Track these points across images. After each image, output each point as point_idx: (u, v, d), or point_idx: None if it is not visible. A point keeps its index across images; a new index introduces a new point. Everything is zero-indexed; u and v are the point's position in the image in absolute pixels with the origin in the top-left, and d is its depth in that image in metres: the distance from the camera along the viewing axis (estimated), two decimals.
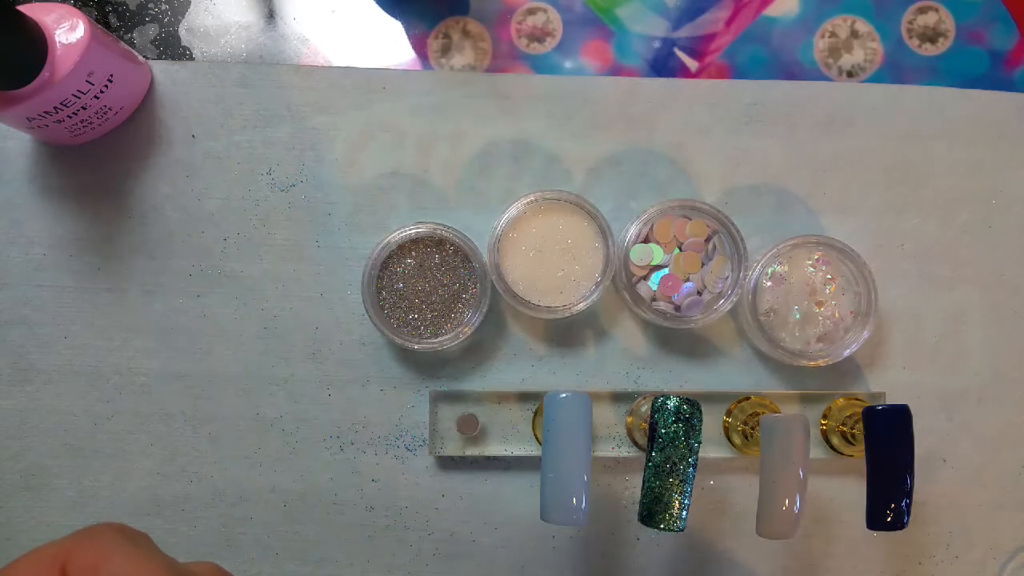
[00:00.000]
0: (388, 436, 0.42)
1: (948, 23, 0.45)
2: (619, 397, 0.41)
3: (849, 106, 0.43)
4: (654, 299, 0.41)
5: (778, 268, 0.41)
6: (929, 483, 0.42)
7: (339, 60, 0.45)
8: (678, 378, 0.42)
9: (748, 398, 0.40)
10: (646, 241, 0.41)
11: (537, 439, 0.41)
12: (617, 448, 0.41)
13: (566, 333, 0.42)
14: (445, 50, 0.45)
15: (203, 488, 0.42)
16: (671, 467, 0.32)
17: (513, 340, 0.42)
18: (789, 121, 0.43)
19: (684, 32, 0.45)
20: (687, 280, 0.40)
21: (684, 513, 0.32)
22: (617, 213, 0.42)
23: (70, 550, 0.22)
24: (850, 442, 0.39)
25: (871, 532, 0.40)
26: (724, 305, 0.40)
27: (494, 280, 0.40)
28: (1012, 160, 0.43)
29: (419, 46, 0.45)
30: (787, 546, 0.42)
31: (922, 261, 0.43)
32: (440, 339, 0.40)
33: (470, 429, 0.40)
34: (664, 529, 0.32)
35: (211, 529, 0.42)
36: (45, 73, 0.37)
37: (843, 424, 0.39)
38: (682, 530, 0.32)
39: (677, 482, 0.32)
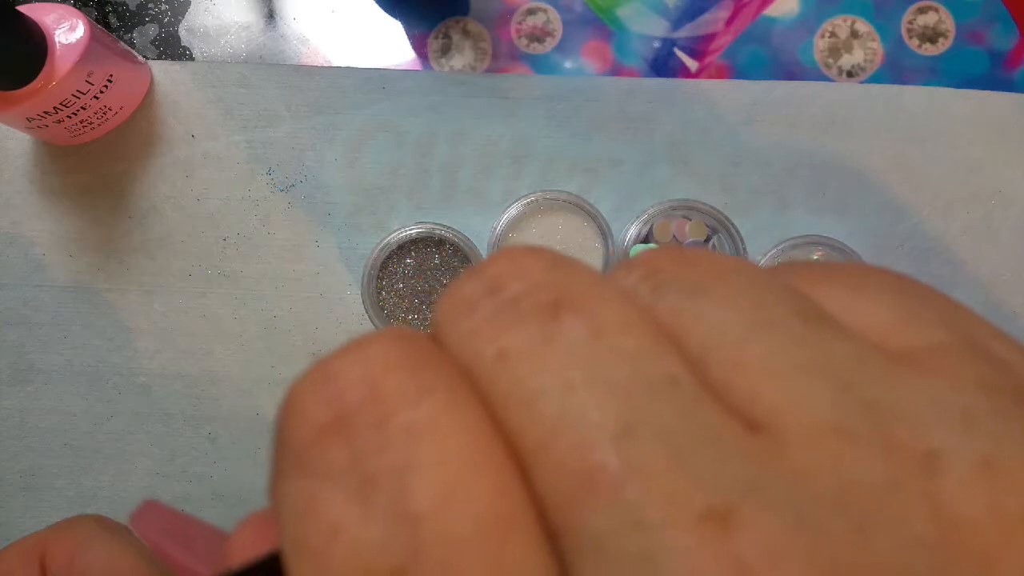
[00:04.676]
0: None
1: (948, 23, 0.45)
2: None
3: (849, 106, 0.43)
4: None
5: None
6: None
7: (339, 60, 0.45)
8: None
9: None
10: (646, 241, 0.41)
11: None
12: None
13: None
14: (445, 50, 0.45)
15: (203, 488, 0.42)
16: None
17: None
18: (789, 121, 0.43)
19: (684, 32, 0.45)
20: None
21: None
22: (617, 213, 0.42)
23: (48, 542, 0.22)
24: None
25: None
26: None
27: None
28: (1012, 160, 0.43)
29: (419, 46, 0.45)
30: None
31: (922, 261, 0.43)
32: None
33: None
34: None
35: None
36: (45, 73, 0.37)
37: None
38: None
39: None
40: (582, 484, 0.08)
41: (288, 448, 0.10)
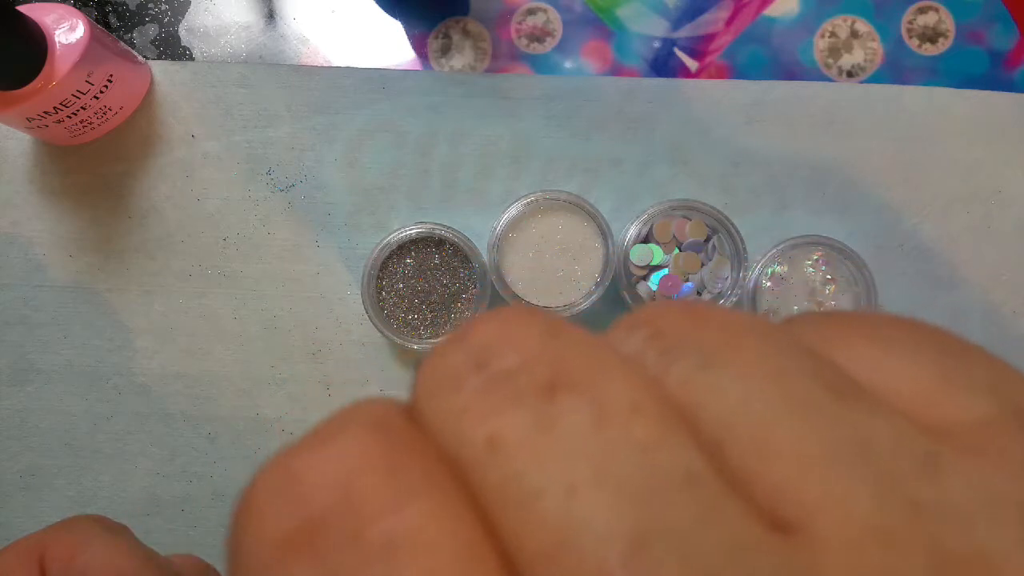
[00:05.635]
0: None
1: (948, 23, 0.45)
2: None
3: (849, 106, 0.43)
4: (654, 299, 0.41)
5: (778, 268, 0.41)
6: None
7: (339, 60, 0.45)
8: None
9: None
10: (646, 241, 0.41)
11: None
12: None
13: None
14: (445, 50, 0.45)
15: (203, 488, 0.42)
16: None
17: None
18: (789, 121, 0.43)
19: (684, 32, 0.45)
20: (687, 280, 0.40)
21: None
22: (617, 213, 0.42)
23: (47, 541, 0.22)
24: None
25: None
26: (724, 305, 0.40)
27: (494, 280, 0.40)
28: (1012, 160, 0.43)
29: (419, 46, 0.45)
30: None
31: (922, 261, 0.43)
32: (440, 339, 0.40)
33: None
34: None
35: (211, 529, 0.42)
36: (45, 73, 0.37)
37: None
38: None
39: None
40: None
41: (246, 562, 0.09)
